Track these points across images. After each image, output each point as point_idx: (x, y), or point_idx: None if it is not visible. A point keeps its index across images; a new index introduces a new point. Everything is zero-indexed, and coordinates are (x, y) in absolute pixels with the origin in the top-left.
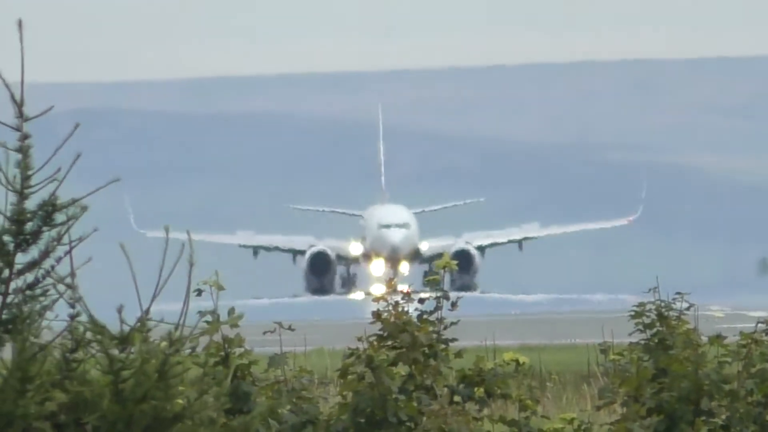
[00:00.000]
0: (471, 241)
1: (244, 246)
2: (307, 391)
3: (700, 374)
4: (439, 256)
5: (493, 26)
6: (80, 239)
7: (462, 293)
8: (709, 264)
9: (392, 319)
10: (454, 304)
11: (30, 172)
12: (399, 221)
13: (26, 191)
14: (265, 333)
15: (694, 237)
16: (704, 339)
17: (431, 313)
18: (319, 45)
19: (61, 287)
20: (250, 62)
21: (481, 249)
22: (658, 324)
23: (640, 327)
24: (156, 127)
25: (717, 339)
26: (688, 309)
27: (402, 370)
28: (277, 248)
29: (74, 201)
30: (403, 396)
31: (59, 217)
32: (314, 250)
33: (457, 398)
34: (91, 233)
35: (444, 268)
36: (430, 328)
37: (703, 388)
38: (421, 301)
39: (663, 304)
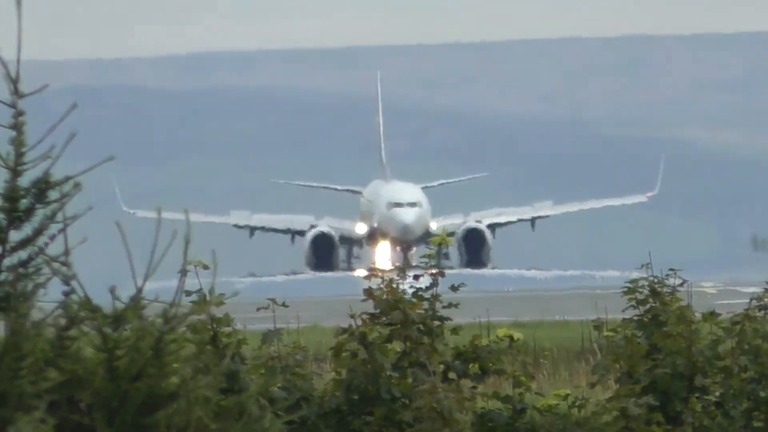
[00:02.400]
0: (481, 219)
1: (240, 226)
2: (300, 368)
3: (693, 351)
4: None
5: (486, 2)
6: (74, 217)
7: (472, 270)
8: (703, 240)
9: (384, 297)
10: (455, 288)
11: (24, 149)
12: (410, 199)
13: (20, 168)
14: (258, 309)
15: (687, 212)
16: (698, 315)
17: (427, 289)
18: (311, 21)
19: (54, 265)
20: (244, 38)
21: (491, 227)
22: (651, 300)
23: (633, 303)
24: (152, 103)
25: (710, 316)
26: (681, 285)
27: (397, 346)
28: (274, 229)
29: (68, 178)
30: (397, 373)
31: (53, 195)
32: (317, 231)
33: (452, 374)
34: (85, 211)
35: (440, 244)
36: (425, 305)
37: (697, 365)
38: (416, 277)
39: (656, 281)
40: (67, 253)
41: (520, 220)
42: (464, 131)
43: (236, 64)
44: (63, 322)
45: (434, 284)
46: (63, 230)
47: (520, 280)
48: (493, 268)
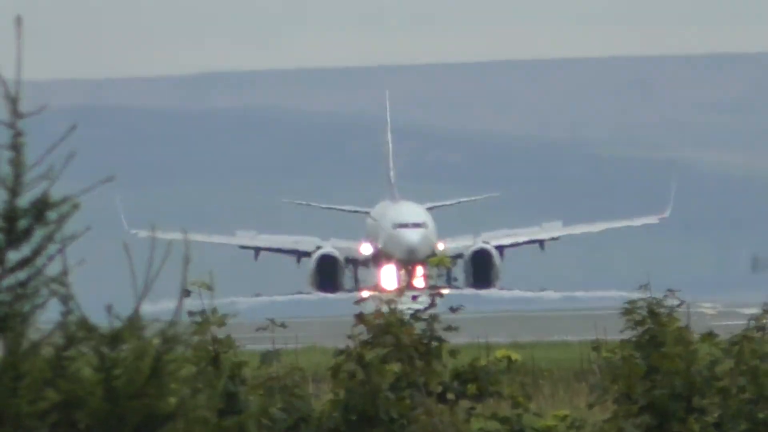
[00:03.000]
0: (490, 240)
1: (245, 247)
2: (299, 389)
3: (692, 371)
4: (458, 256)
5: (486, 22)
6: (73, 237)
7: (476, 291)
8: (703, 260)
9: (376, 321)
10: (453, 309)
11: (22, 170)
12: (416, 220)
13: (18, 189)
14: (257, 330)
15: (687, 233)
16: (696, 336)
17: (425, 310)
18: (309, 42)
19: (53, 285)
20: (243, 59)
21: (500, 249)
22: (649, 321)
23: (631, 324)
24: (151, 124)
25: (708, 337)
26: (679, 306)
27: (395, 367)
28: (280, 250)
29: (66, 199)
30: (394, 394)
31: (51, 215)
32: (321, 252)
33: (450, 395)
34: (84, 232)
35: (437, 265)
36: (423, 326)
37: (695, 386)
38: (414, 298)
39: (654, 301)
40: (65, 273)
41: (531, 241)
42: (462, 151)
43: (236, 84)
44: (61, 342)
45: (432, 305)
46: (61, 250)
47: (523, 301)
48: (501, 288)
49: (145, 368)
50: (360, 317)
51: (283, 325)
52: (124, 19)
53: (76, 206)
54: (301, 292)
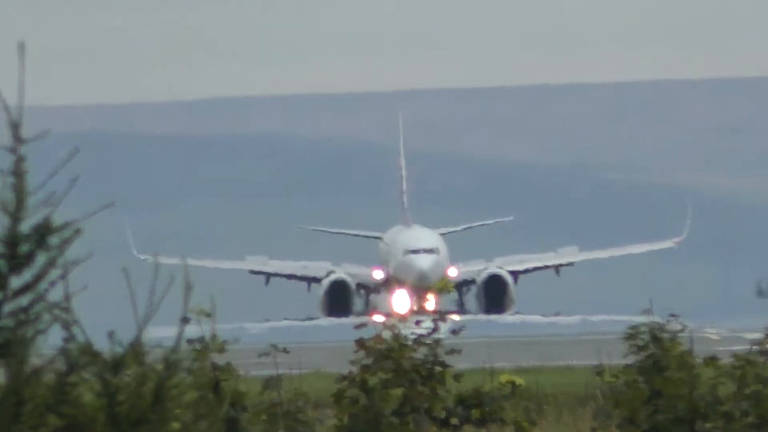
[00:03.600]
0: (504, 265)
1: (256, 272)
2: (302, 414)
3: (695, 396)
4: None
5: (491, 48)
6: (75, 263)
7: (488, 316)
8: (708, 285)
9: (376, 346)
10: (456, 332)
11: (25, 195)
12: (427, 245)
13: (20, 214)
14: (260, 356)
15: (692, 257)
16: (700, 361)
17: (429, 334)
18: (314, 67)
19: (55, 311)
20: (244, 84)
21: (514, 274)
22: (652, 346)
23: (634, 349)
24: (155, 150)
25: (711, 361)
26: (681, 331)
27: (398, 391)
28: (290, 275)
29: (68, 224)
30: (398, 419)
31: (53, 241)
32: (332, 277)
33: (454, 420)
34: (86, 257)
35: (441, 290)
36: (425, 351)
37: (698, 410)
38: (418, 322)
39: (657, 326)
40: (67, 298)
41: (546, 267)
42: (466, 176)
43: (237, 110)
44: (63, 367)
45: (435, 329)
46: (63, 276)
47: (535, 326)
48: (515, 313)
49: (147, 394)
50: (360, 343)
51: (285, 351)
52: (127, 45)
53: (78, 231)
54: (311, 317)
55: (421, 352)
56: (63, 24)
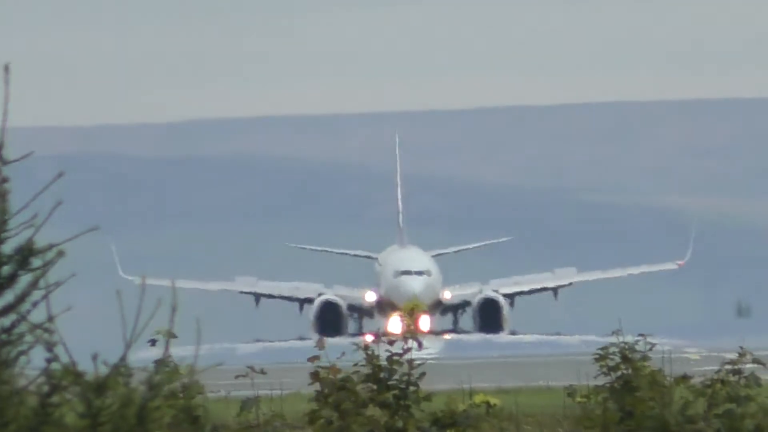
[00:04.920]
0: (499, 288)
1: (246, 293)
2: None
3: (666, 414)
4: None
5: (469, 69)
6: (57, 284)
7: (477, 335)
8: (690, 305)
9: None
10: (420, 344)
11: (7, 216)
12: (419, 267)
13: (3, 235)
14: (237, 377)
15: (673, 278)
16: (671, 380)
17: (402, 354)
18: (295, 88)
19: (37, 332)
20: (229, 105)
21: (510, 297)
22: (623, 367)
23: (605, 369)
24: (138, 171)
25: (682, 380)
26: (650, 349)
27: (373, 412)
28: (284, 297)
29: (51, 246)
30: None
31: (36, 262)
32: (323, 299)
33: None
34: (68, 278)
35: (412, 310)
36: (402, 370)
37: (669, 429)
38: (391, 342)
39: (627, 347)
40: (50, 319)
41: (543, 289)
42: (446, 198)
43: (221, 131)
44: (46, 388)
45: (407, 350)
46: (46, 297)
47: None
48: (513, 333)
49: (130, 416)
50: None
51: (262, 372)
52: (112, 67)
53: (61, 253)
54: (302, 338)
55: (400, 371)
56: (47, 44)
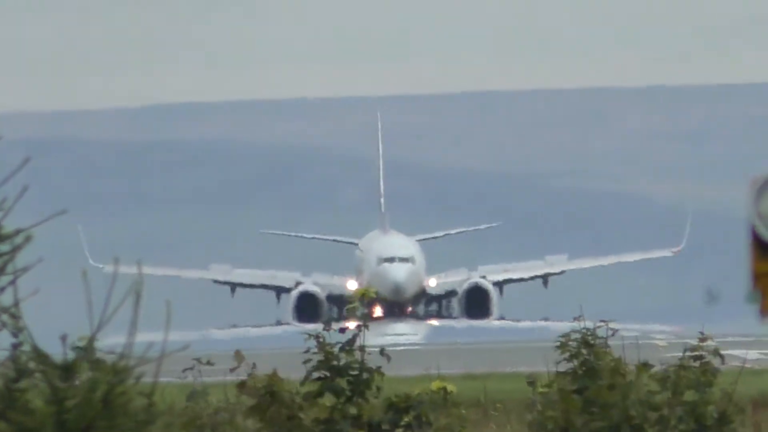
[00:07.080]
0: (487, 275)
1: (220, 282)
2: (229, 426)
3: (627, 403)
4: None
5: (441, 53)
6: (25, 269)
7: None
8: (660, 291)
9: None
10: (342, 330)
11: None
12: (403, 254)
13: None
14: (184, 371)
15: (642, 264)
16: (632, 368)
17: (351, 341)
18: (270, 72)
19: (3, 316)
20: (197, 90)
21: (499, 284)
22: (584, 353)
23: (567, 356)
24: (107, 156)
25: (644, 367)
26: (612, 335)
27: (327, 400)
28: (262, 285)
29: (18, 231)
30: (327, 427)
31: (3, 247)
32: (301, 289)
33: (385, 426)
34: (35, 263)
35: (363, 295)
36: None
37: (632, 417)
38: (342, 330)
39: (588, 333)
40: (16, 304)
41: (534, 277)
42: (417, 183)
43: (189, 115)
44: (12, 373)
45: (356, 336)
46: (13, 282)
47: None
48: (501, 318)
49: (96, 401)
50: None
51: (209, 363)
52: (79, 51)
53: (28, 238)
54: (280, 322)
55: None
56: (10, 30)
